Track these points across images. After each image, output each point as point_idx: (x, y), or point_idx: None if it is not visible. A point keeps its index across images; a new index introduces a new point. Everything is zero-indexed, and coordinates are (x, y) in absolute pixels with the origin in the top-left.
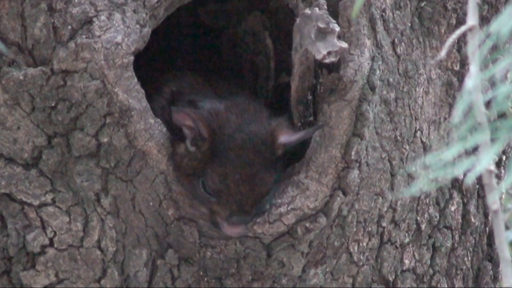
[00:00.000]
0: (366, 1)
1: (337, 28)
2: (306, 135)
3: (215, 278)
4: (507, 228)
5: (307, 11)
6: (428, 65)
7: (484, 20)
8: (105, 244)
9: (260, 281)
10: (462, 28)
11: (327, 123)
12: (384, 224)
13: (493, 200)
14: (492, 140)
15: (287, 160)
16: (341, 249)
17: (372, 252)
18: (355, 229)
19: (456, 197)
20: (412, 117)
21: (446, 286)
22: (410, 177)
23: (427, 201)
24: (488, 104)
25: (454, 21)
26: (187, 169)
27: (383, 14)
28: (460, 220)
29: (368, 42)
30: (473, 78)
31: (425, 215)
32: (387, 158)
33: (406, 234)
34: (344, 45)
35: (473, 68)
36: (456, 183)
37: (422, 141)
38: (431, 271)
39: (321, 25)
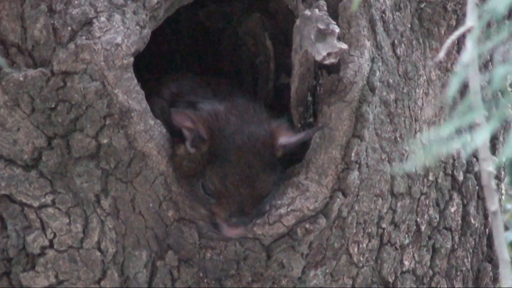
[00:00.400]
0: (366, 2)
1: (337, 30)
2: (306, 136)
3: (215, 279)
4: (506, 229)
5: (307, 12)
6: (428, 67)
7: None
8: (105, 245)
9: (260, 282)
10: (461, 29)
11: (327, 124)
12: (384, 225)
13: (492, 202)
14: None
15: (287, 162)
16: (341, 250)
17: (372, 253)
18: (355, 230)
19: (456, 198)
20: (412, 118)
21: (445, 287)
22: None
23: (427, 203)
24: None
25: (454, 22)
26: (187, 171)
27: (383, 15)
28: (460, 222)
29: (368, 44)
30: (468, 53)
31: (425, 217)
32: (387, 159)
33: (406, 235)
34: (344, 46)
35: (469, 44)
36: (456, 185)
37: (422, 142)
38: (431, 272)
39: (321, 27)
